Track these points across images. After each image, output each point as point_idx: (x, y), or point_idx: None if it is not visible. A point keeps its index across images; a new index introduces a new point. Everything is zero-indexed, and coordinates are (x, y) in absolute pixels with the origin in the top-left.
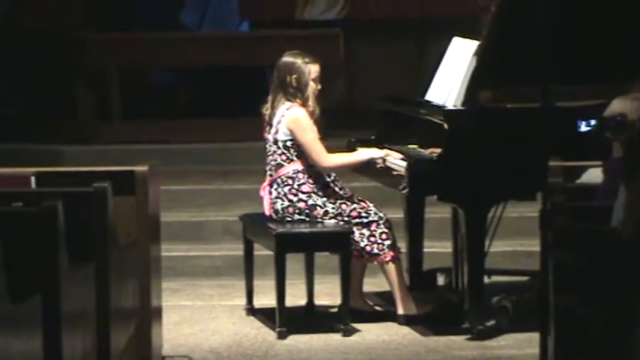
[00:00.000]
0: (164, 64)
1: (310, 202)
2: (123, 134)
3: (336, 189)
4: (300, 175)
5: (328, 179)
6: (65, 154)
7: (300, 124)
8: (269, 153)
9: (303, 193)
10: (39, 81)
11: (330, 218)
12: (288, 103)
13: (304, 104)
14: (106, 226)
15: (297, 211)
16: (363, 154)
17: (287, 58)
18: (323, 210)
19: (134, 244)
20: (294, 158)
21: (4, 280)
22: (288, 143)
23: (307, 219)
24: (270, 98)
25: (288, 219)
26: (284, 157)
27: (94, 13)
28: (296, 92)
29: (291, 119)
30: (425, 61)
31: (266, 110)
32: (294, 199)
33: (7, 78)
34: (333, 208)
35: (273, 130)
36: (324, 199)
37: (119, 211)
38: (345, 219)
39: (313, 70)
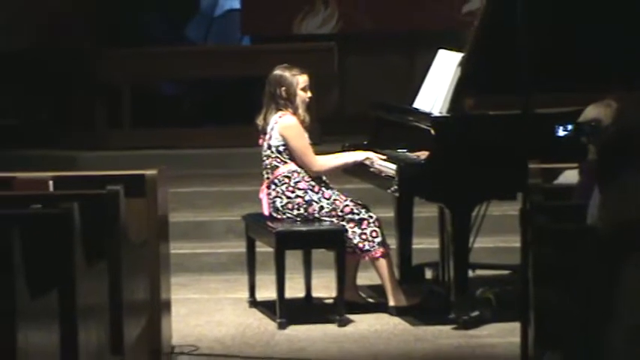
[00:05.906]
0: (171, 76)
1: (307, 197)
2: (133, 141)
3: (329, 184)
4: (295, 174)
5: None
6: (80, 160)
7: (292, 132)
8: (264, 158)
9: (300, 189)
10: (56, 93)
11: (326, 213)
12: (280, 112)
13: (295, 113)
14: (118, 226)
15: (295, 206)
16: (349, 157)
17: (276, 72)
18: (318, 205)
19: (145, 242)
20: (287, 160)
21: (24, 276)
22: (281, 148)
23: (305, 214)
24: (263, 110)
25: (288, 215)
26: (278, 160)
27: (108, 30)
28: (286, 103)
29: (283, 127)
30: (413, 72)
31: (260, 121)
32: (292, 195)
33: (27, 91)
34: (327, 204)
35: (267, 137)
36: (319, 195)
37: (131, 211)
38: (339, 214)
39: (301, 80)
